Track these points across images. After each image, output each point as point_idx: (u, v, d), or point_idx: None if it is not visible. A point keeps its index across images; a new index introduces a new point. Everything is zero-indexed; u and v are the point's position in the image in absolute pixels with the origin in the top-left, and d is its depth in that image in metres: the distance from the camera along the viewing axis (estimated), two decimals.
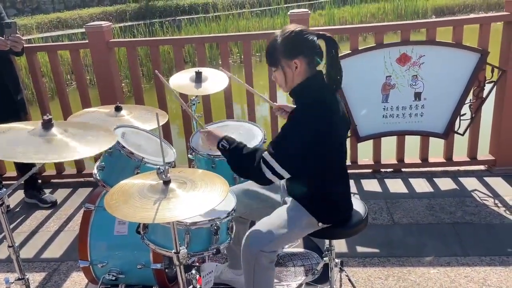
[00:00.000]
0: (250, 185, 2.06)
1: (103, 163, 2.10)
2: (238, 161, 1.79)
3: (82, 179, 3.65)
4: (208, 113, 3.36)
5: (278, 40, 1.72)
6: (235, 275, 2.25)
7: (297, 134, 1.68)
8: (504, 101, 3.16)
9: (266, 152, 1.71)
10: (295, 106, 1.87)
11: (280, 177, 1.71)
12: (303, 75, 1.74)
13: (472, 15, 13.20)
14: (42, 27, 11.93)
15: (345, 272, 2.18)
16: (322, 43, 1.75)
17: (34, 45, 3.61)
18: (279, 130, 1.77)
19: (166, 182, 1.51)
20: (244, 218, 2.09)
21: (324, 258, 2.10)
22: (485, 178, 3.24)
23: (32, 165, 2.46)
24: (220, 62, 3.40)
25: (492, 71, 3.12)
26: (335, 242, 2.05)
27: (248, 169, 1.75)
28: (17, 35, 2.83)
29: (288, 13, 3.17)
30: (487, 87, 3.16)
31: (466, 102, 3.17)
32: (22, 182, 3.18)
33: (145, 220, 1.43)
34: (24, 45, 2.97)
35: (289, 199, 1.91)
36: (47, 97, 3.57)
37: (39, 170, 3.58)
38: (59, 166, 3.68)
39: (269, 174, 1.70)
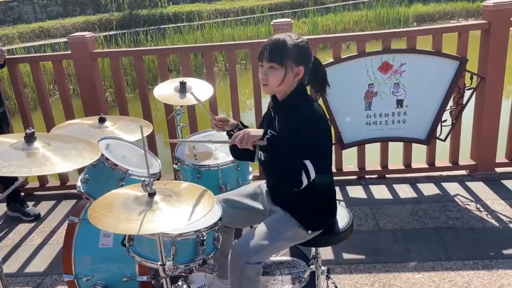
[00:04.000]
0: (232, 195, 2.07)
1: (87, 175, 2.08)
2: (280, 158, 1.75)
3: (66, 191, 3.61)
4: (193, 122, 3.36)
5: (288, 42, 1.74)
6: (224, 284, 2.24)
7: (319, 134, 1.75)
8: (484, 107, 3.23)
9: (308, 161, 1.69)
10: (235, 122, 1.95)
11: (310, 180, 1.71)
12: (297, 82, 1.80)
13: (452, 22, 13.51)
14: (24, 37, 11.80)
15: (332, 279, 2.20)
16: None
17: (16, 56, 3.57)
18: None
19: (151, 194, 1.51)
20: (229, 227, 2.10)
21: (311, 266, 2.12)
22: (467, 183, 3.31)
23: (14, 179, 2.43)
24: (205, 70, 3.41)
25: (471, 78, 3.19)
26: (321, 249, 2.07)
27: (287, 169, 1.72)
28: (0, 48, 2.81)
29: (272, 22, 3.21)
30: (467, 93, 3.23)
31: (447, 109, 3.24)
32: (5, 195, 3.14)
33: (129, 231, 1.43)
34: (6, 57, 2.95)
35: (275, 208, 1.91)
36: (29, 108, 3.54)
37: (22, 183, 3.53)
38: (43, 178, 3.63)
39: (305, 180, 1.69)
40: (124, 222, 1.41)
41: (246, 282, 1.76)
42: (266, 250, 1.79)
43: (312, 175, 1.70)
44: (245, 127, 1.99)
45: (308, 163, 1.69)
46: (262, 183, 2.09)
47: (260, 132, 1.77)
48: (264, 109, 2.32)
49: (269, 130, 1.79)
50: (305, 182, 1.69)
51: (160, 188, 1.58)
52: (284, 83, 1.77)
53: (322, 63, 1.92)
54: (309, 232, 1.85)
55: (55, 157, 1.58)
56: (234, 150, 1.98)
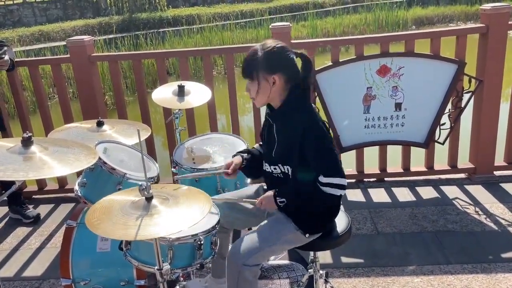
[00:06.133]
0: (231, 195, 2.07)
1: (84, 179, 2.07)
2: (304, 206, 1.80)
3: (64, 195, 3.60)
4: (192, 126, 3.36)
5: (258, 53, 1.74)
6: (218, 284, 2.24)
7: (327, 140, 1.74)
8: (482, 110, 3.23)
9: (321, 176, 1.71)
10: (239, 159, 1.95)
11: (344, 187, 1.74)
12: (282, 91, 1.77)
13: (451, 26, 13.53)
14: (23, 40, 11.81)
15: (330, 283, 2.20)
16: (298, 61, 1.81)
17: (15, 60, 3.56)
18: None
19: (148, 199, 1.51)
20: (226, 227, 2.09)
21: (309, 270, 2.11)
22: (465, 186, 3.30)
23: (13, 182, 2.43)
24: (203, 73, 3.42)
25: (470, 81, 3.19)
26: (319, 253, 2.06)
27: (319, 205, 1.79)
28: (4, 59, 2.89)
29: (270, 26, 3.21)
30: (465, 97, 3.23)
31: (445, 112, 3.24)
32: (5, 198, 3.14)
33: (127, 237, 1.42)
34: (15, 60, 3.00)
35: (274, 211, 1.90)
36: (27, 112, 3.54)
37: (20, 187, 3.52)
38: (41, 182, 3.63)
39: (337, 192, 1.72)
40: (122, 227, 1.41)
41: (244, 285, 1.76)
42: (263, 252, 1.79)
43: (340, 189, 1.72)
44: (248, 153, 2.01)
45: (327, 179, 1.70)
46: (262, 186, 2.08)
47: (274, 204, 1.80)
48: (262, 113, 2.31)
49: (278, 200, 1.79)
50: (338, 197, 1.75)
51: (157, 192, 1.58)
52: (260, 94, 1.76)
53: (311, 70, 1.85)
54: (307, 235, 1.84)
55: (52, 161, 1.58)
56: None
